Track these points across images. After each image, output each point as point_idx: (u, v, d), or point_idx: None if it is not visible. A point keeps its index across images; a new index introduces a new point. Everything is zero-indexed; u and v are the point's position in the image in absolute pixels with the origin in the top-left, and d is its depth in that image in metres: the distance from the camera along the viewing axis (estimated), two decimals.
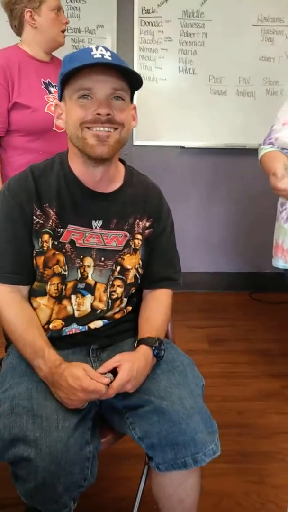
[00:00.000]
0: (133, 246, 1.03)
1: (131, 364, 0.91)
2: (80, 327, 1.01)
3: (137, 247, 1.04)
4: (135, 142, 2.60)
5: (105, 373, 0.89)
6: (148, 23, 2.42)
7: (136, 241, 1.04)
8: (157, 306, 1.08)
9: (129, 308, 1.09)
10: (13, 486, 0.85)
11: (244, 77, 2.53)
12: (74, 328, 1.00)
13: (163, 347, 0.99)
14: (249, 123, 2.56)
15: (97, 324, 1.01)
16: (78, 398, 0.85)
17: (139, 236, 1.04)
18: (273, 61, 2.50)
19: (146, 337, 0.99)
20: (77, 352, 1.01)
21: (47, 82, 1.63)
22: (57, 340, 0.99)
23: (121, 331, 1.08)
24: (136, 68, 2.48)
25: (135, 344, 1.00)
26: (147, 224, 1.05)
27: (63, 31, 1.62)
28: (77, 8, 2.33)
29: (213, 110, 2.56)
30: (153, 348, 0.96)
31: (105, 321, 1.03)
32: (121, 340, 1.08)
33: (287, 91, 1.70)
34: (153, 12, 2.40)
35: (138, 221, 1.04)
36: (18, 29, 1.63)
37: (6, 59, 1.57)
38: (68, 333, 1.00)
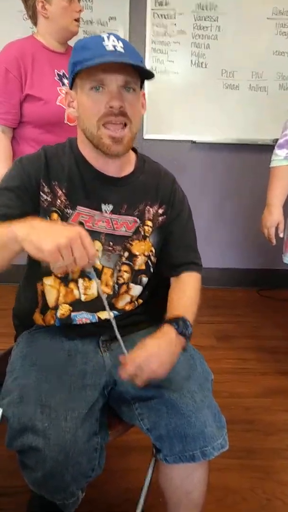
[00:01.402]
0: (142, 233, 1.02)
1: (151, 341, 0.88)
2: (90, 316, 1.00)
3: (147, 234, 1.03)
4: (146, 136, 2.59)
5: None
6: (161, 15, 2.40)
7: (146, 227, 1.03)
8: (181, 287, 1.06)
9: (140, 300, 1.09)
10: (13, 475, 0.85)
11: (257, 71, 2.50)
12: (84, 318, 1.00)
13: (188, 324, 0.95)
14: (261, 118, 2.53)
15: (107, 314, 1.01)
16: (64, 236, 0.73)
17: (150, 223, 1.03)
18: (286, 55, 2.47)
19: (171, 317, 0.96)
20: (86, 343, 1.01)
21: (61, 73, 1.62)
22: (67, 330, 0.99)
23: (132, 323, 1.08)
24: (148, 61, 2.47)
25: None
26: (160, 211, 1.05)
27: (76, 20, 1.60)
28: (89, 0, 2.31)
29: (225, 104, 2.54)
30: (174, 325, 0.92)
31: (115, 312, 1.03)
32: (132, 332, 1.07)
33: None
34: (166, 4, 2.38)
35: (148, 207, 1.03)
36: (33, 20, 1.62)
37: (20, 50, 1.56)
38: (78, 322, 0.99)
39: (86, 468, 0.83)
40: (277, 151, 1.64)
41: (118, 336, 0.87)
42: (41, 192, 0.95)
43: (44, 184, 0.95)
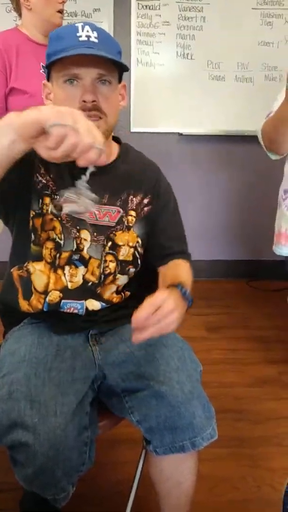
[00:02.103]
0: (126, 223, 1.02)
1: (172, 295, 0.81)
2: (78, 305, 1.00)
3: (130, 224, 1.02)
4: (133, 129, 2.57)
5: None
6: (146, 6, 2.38)
7: (130, 217, 1.02)
8: (177, 266, 1.04)
9: (128, 293, 1.09)
10: (10, 471, 0.86)
11: (243, 62, 2.50)
12: (72, 307, 0.99)
13: (189, 295, 0.89)
14: (247, 109, 2.53)
15: (95, 305, 1.01)
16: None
17: (133, 213, 1.03)
18: (272, 46, 2.47)
19: (169, 284, 0.91)
20: (75, 337, 1.01)
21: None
22: (56, 325, 0.99)
23: (120, 316, 1.08)
24: (133, 53, 2.45)
25: None
26: (145, 201, 1.04)
27: (59, 11, 1.58)
28: None
29: (211, 96, 2.54)
30: (178, 287, 0.86)
31: (103, 304, 1.03)
32: (121, 325, 1.07)
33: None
34: None
35: (132, 197, 1.02)
36: (17, 12, 1.60)
37: (4, 42, 1.54)
38: (67, 310, 0.99)
39: (77, 463, 0.83)
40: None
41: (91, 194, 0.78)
42: (37, 174, 0.94)
43: (40, 166, 0.94)
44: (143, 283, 1.11)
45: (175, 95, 2.52)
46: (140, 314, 0.76)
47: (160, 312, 0.77)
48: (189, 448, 0.90)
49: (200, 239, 2.87)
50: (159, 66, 2.47)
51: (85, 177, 0.75)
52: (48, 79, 0.93)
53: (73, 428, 0.82)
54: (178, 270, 1.03)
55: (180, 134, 2.62)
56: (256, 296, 2.71)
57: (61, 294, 0.99)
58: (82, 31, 0.86)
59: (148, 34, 2.42)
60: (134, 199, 1.03)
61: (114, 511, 1.19)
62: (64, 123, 0.65)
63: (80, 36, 0.85)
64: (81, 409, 0.87)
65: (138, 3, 2.36)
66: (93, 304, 1.01)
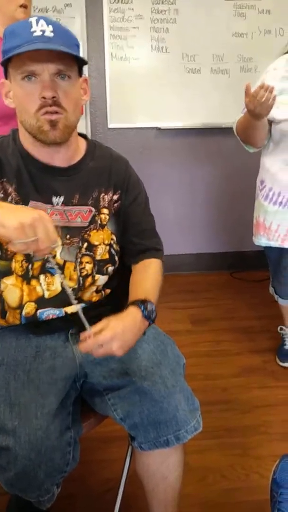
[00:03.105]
0: (99, 222, 1.01)
1: (116, 323, 0.86)
2: (57, 312, 0.99)
3: (104, 222, 1.02)
4: (110, 125, 2.56)
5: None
6: (118, 0, 2.35)
7: (103, 216, 1.01)
8: (145, 270, 1.05)
9: (108, 290, 1.08)
10: None
11: (218, 54, 2.50)
12: (51, 314, 0.99)
13: (153, 308, 0.94)
14: (224, 101, 2.54)
15: (74, 308, 1.00)
16: (28, 215, 0.72)
17: (106, 211, 1.02)
18: (246, 37, 2.48)
19: (134, 300, 0.95)
20: (55, 338, 1.00)
21: None
22: (34, 327, 0.98)
23: (100, 314, 1.07)
24: (107, 48, 2.42)
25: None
26: (115, 197, 1.03)
27: (22, 6, 1.55)
28: None
29: (188, 89, 2.53)
30: (141, 307, 0.91)
31: (82, 304, 1.02)
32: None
33: (261, 68, 1.68)
34: None
35: (103, 194, 1.02)
36: None
37: None
38: (45, 319, 0.98)
39: (60, 464, 0.83)
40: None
41: (87, 325, 0.85)
42: None
43: (1, 176, 0.93)
44: (123, 278, 1.10)
45: (151, 89, 2.51)
46: (85, 346, 0.83)
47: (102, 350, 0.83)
48: (174, 442, 0.90)
49: (183, 233, 2.88)
50: (134, 60, 2.45)
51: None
52: (6, 76, 0.92)
53: (55, 429, 0.82)
54: (145, 279, 1.03)
55: (159, 129, 2.61)
56: (240, 287, 2.73)
57: (36, 305, 0.97)
58: (37, 25, 0.84)
59: (121, 29, 2.40)
60: (106, 196, 1.02)
61: (105, 509, 1.18)
62: (26, 240, 0.72)
63: (35, 31, 0.84)
64: (62, 410, 0.87)
65: None
66: (72, 308, 1.00)
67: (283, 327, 1.95)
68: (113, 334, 0.83)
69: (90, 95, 2.47)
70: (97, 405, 0.97)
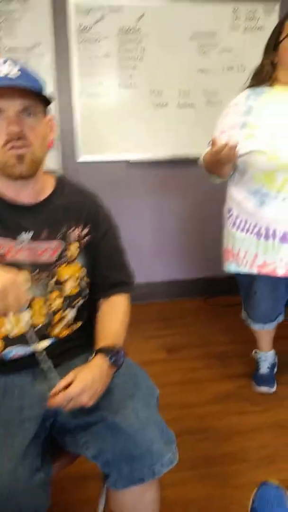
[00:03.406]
0: (68, 256, 1.02)
1: (85, 374, 0.88)
2: (25, 350, 0.98)
3: (73, 257, 1.03)
4: (80, 159, 2.59)
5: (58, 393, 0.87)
6: (86, 40, 2.44)
7: (72, 250, 1.02)
8: (112, 312, 1.07)
9: (78, 323, 1.08)
10: None
11: (184, 89, 2.60)
12: (18, 352, 0.97)
13: (121, 354, 0.97)
14: (192, 134, 2.63)
15: (43, 344, 0.99)
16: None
17: (75, 245, 1.03)
18: (210, 73, 2.60)
19: (102, 346, 0.97)
20: (22, 376, 0.98)
21: None
22: (1, 365, 0.96)
23: (70, 348, 1.06)
24: (76, 85, 2.49)
25: (92, 355, 0.97)
26: (84, 231, 1.05)
27: None
28: (12, 27, 2.31)
29: (156, 123, 2.62)
30: (109, 356, 0.94)
31: (51, 339, 1.01)
32: (71, 358, 1.06)
33: (226, 101, 1.78)
34: (89, 29, 2.43)
35: (72, 229, 1.03)
36: None
37: None
38: (12, 357, 0.97)
39: (30, 507, 0.80)
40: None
41: (53, 375, 0.86)
42: None
43: None
44: (93, 311, 1.11)
45: (121, 123, 2.58)
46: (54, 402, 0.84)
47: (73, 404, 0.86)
48: (149, 477, 0.89)
49: (156, 261, 2.91)
50: (103, 96, 2.53)
51: None
52: None
53: (23, 470, 0.79)
54: (112, 320, 1.05)
55: (129, 162, 2.67)
56: (214, 313, 2.76)
57: (3, 343, 0.96)
58: (3, 65, 0.88)
59: (90, 66, 2.48)
60: (75, 230, 1.03)
61: None
62: None
63: (1, 71, 0.87)
64: (31, 450, 0.84)
65: (78, 37, 2.42)
66: (41, 345, 0.99)
67: (257, 351, 1.98)
68: (83, 386, 0.85)
69: (60, 129, 2.53)
70: (68, 444, 0.95)
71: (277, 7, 2.54)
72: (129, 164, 2.68)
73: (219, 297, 2.85)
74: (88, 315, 1.10)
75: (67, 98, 2.50)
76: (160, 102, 2.60)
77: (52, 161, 2.55)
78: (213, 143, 1.39)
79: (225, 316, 2.64)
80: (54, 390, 0.86)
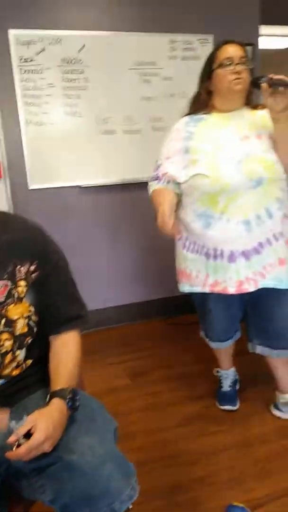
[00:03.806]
0: (16, 295, 0.99)
1: (45, 421, 0.86)
2: None
3: (22, 295, 1.00)
4: (31, 187, 2.57)
5: (17, 440, 0.84)
6: (29, 71, 2.45)
7: (20, 288, 1.00)
8: (66, 351, 1.04)
9: (29, 361, 1.04)
10: None
11: (129, 116, 2.66)
12: None
13: (77, 397, 0.96)
14: (140, 159, 2.68)
15: None
16: None
17: (23, 283, 1.00)
18: (153, 100, 2.68)
19: (58, 389, 0.95)
20: None
21: None
22: None
23: (22, 387, 1.02)
24: (21, 114, 2.49)
25: (47, 398, 0.95)
26: (32, 268, 1.02)
27: None
28: None
29: (104, 149, 2.65)
30: (67, 400, 0.93)
31: (3, 380, 0.97)
32: (24, 397, 1.02)
33: (170, 126, 1.83)
34: (31, 60, 2.45)
35: (19, 266, 1.00)
36: None
37: None
38: None
39: None
40: (150, 182, 1.73)
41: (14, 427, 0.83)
42: None
43: None
44: (43, 348, 1.07)
45: (69, 151, 2.59)
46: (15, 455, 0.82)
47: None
48: None
49: (113, 285, 2.89)
50: (50, 125, 2.53)
51: None
52: None
53: None
54: (66, 360, 1.03)
55: (80, 187, 2.68)
56: (176, 332, 2.76)
57: None
58: None
59: (34, 96, 2.48)
60: (22, 268, 1.00)
61: None
62: None
63: None
64: None
65: (20, 68, 2.43)
66: None
67: (218, 370, 1.99)
68: (45, 435, 0.84)
69: (8, 158, 2.50)
70: (25, 489, 0.91)
71: (210, 38, 2.69)
72: (80, 189, 2.68)
73: (181, 316, 2.87)
74: (38, 352, 1.07)
75: (15, 128, 2.49)
76: (107, 129, 2.64)
77: (1, 190, 2.51)
78: (162, 224, 1.54)
79: (188, 335, 2.64)
80: (11, 439, 0.82)
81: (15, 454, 0.81)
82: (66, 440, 0.90)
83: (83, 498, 0.85)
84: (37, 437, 0.83)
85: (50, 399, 0.94)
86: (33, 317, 1.02)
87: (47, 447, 0.85)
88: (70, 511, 0.86)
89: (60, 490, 0.86)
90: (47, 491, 0.87)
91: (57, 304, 1.06)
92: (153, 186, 1.71)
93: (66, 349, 1.04)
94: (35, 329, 1.03)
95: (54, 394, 0.94)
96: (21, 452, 0.82)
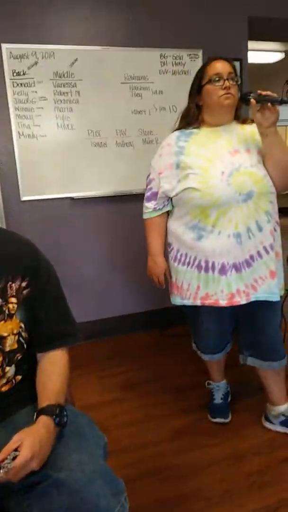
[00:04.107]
0: (7, 312, 0.98)
1: (32, 439, 0.85)
2: None
3: (12, 312, 0.99)
4: (23, 198, 2.58)
5: (5, 459, 0.83)
6: (21, 84, 2.47)
7: (11, 305, 0.99)
8: (53, 368, 1.04)
9: (19, 377, 1.04)
10: None
11: (121, 129, 2.69)
12: None
13: (64, 413, 0.95)
14: (131, 171, 2.70)
15: None
16: None
17: (14, 300, 0.99)
18: (144, 113, 2.71)
19: (45, 406, 0.94)
20: None
21: None
22: None
23: (11, 403, 1.01)
24: (14, 127, 2.50)
25: (34, 416, 0.94)
26: (23, 284, 1.01)
27: None
28: None
29: (96, 161, 2.67)
30: (54, 417, 0.92)
31: None
32: (13, 413, 1.01)
33: (161, 139, 1.85)
34: (23, 74, 2.47)
35: (10, 283, 0.99)
36: None
37: None
38: None
39: None
40: (146, 204, 1.76)
41: None
42: None
43: None
44: (33, 363, 1.07)
45: (61, 162, 2.61)
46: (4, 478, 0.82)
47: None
48: None
49: (107, 297, 2.89)
50: (42, 137, 2.55)
51: None
52: None
53: None
54: (53, 377, 1.02)
55: (72, 199, 2.69)
56: (169, 343, 2.75)
57: None
58: None
59: (26, 109, 2.50)
60: (13, 284, 1.00)
61: None
62: None
63: None
64: None
65: (13, 82, 2.45)
66: None
67: (210, 382, 1.99)
68: (32, 453, 0.83)
69: (1, 170, 2.50)
70: (12, 509, 0.89)
71: (200, 53, 2.74)
72: (72, 200, 2.69)
73: (176, 327, 2.86)
74: (28, 368, 1.06)
75: (7, 140, 2.50)
76: (99, 142, 2.66)
77: None
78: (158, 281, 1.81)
79: (181, 346, 2.64)
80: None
81: (3, 477, 0.80)
82: (54, 457, 0.89)
83: None
84: (24, 454, 0.83)
85: (37, 417, 0.93)
86: (23, 334, 1.01)
87: (35, 465, 0.84)
88: None
89: (48, 509, 0.84)
90: (35, 510, 0.86)
91: (46, 321, 1.05)
92: (148, 213, 1.75)
93: (53, 366, 1.04)
94: (25, 346, 1.02)
95: (41, 412, 0.93)
96: (12, 474, 0.81)
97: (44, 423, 0.91)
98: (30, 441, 0.84)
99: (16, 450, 0.84)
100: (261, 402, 1.90)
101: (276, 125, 1.49)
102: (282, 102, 1.42)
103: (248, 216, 1.52)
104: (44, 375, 1.02)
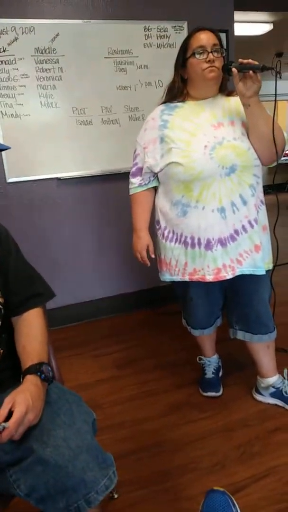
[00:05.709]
0: None
1: (23, 395, 0.89)
2: None
3: None
4: (9, 180, 2.54)
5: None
6: (1, 61, 2.40)
7: None
8: (30, 330, 1.06)
9: (1, 350, 1.04)
10: None
11: (106, 106, 2.63)
12: None
13: (49, 368, 0.99)
14: (118, 149, 2.66)
15: None
16: None
17: None
18: (129, 89, 2.65)
19: (29, 366, 0.98)
20: None
21: None
22: None
23: None
24: None
25: (21, 379, 0.97)
26: None
27: None
28: None
29: (82, 140, 2.62)
30: (39, 373, 0.96)
31: None
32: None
33: (147, 116, 1.82)
34: (4, 51, 2.39)
35: None
36: None
37: None
38: None
39: None
40: (132, 179, 1.74)
41: None
42: None
43: None
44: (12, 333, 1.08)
45: (47, 142, 2.56)
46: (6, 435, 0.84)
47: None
48: (85, 507, 0.86)
49: (98, 277, 2.89)
50: (25, 116, 2.49)
51: None
52: None
53: None
54: (32, 338, 1.05)
55: (59, 179, 2.65)
56: (163, 321, 2.77)
57: None
58: None
59: (8, 87, 2.44)
60: None
61: None
62: None
63: None
64: None
65: None
66: None
67: (201, 357, 2.00)
68: (27, 407, 0.87)
69: None
70: (0, 485, 0.91)
71: (185, 25, 2.66)
72: (60, 181, 2.65)
73: (169, 305, 2.87)
74: (7, 339, 1.07)
75: None
76: (84, 120, 2.61)
77: None
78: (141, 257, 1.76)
79: (175, 323, 2.63)
80: None
81: (4, 435, 0.82)
82: (40, 434, 0.90)
83: (58, 491, 0.85)
84: (19, 409, 0.86)
85: (23, 378, 0.96)
86: (0, 299, 1.03)
87: (32, 418, 0.88)
88: (46, 505, 0.86)
89: (35, 484, 0.86)
90: (22, 486, 0.87)
91: (16, 285, 1.08)
92: (133, 188, 1.73)
93: (30, 328, 1.06)
94: (2, 311, 1.04)
95: (26, 372, 0.97)
96: (11, 431, 0.83)
97: (31, 380, 0.95)
98: (21, 397, 0.88)
99: (5, 421, 0.85)
100: (252, 376, 1.92)
101: (259, 95, 1.45)
102: (263, 68, 1.38)
103: (232, 190, 1.51)
104: (22, 338, 1.05)
